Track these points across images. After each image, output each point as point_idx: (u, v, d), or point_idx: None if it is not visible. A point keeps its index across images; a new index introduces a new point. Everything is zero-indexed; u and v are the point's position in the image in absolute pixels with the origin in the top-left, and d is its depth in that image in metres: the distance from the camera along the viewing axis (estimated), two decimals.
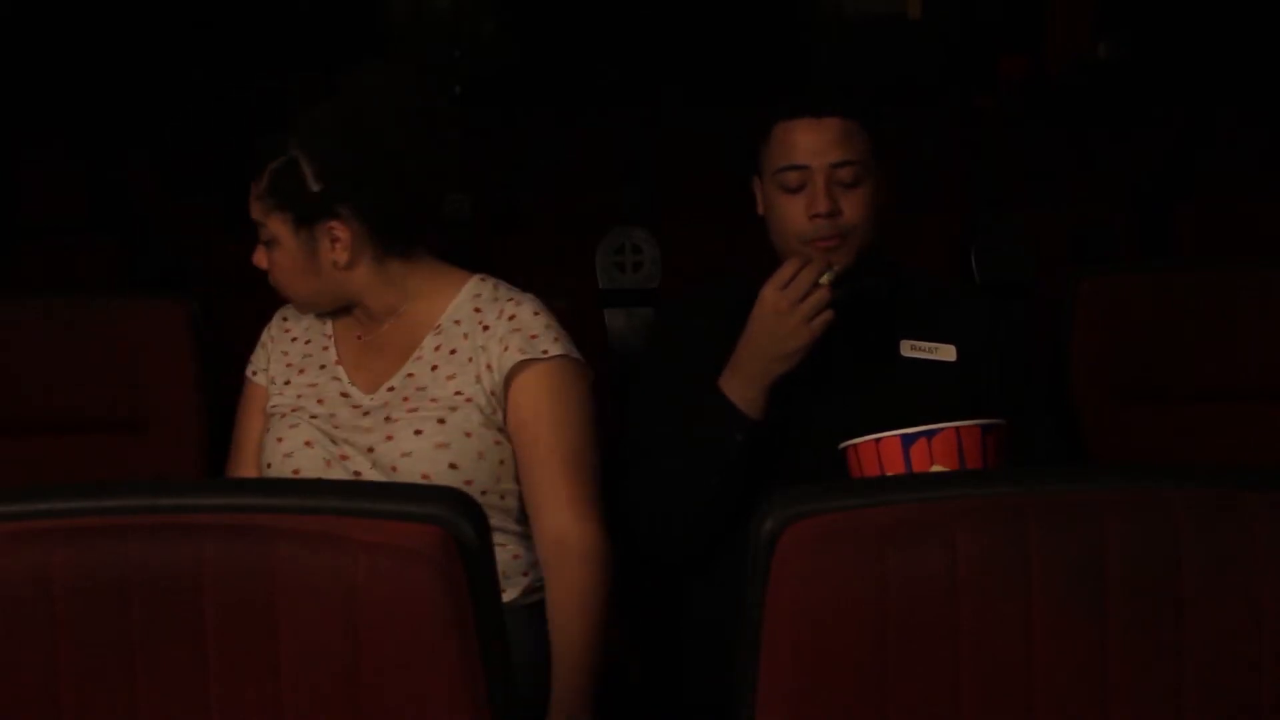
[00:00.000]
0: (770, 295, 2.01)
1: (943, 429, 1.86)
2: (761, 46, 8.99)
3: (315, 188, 2.09)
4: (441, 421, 2.06)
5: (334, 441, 2.09)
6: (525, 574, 2.09)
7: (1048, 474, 1.38)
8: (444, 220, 2.47)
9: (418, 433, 2.05)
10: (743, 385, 2.04)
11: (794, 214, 2.14)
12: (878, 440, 1.89)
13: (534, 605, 2.08)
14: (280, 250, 2.13)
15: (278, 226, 2.12)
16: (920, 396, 2.14)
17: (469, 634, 1.26)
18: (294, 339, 2.24)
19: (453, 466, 2.04)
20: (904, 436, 1.87)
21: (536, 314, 2.13)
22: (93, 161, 5.28)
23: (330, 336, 2.21)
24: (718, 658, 2.05)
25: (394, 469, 2.04)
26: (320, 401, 2.14)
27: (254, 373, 2.24)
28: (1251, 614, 1.26)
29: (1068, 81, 8.13)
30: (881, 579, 1.26)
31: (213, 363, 2.39)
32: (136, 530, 1.27)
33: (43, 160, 5.34)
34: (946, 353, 2.19)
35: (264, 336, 2.27)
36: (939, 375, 2.17)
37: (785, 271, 2.02)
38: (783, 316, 2.00)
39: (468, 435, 2.06)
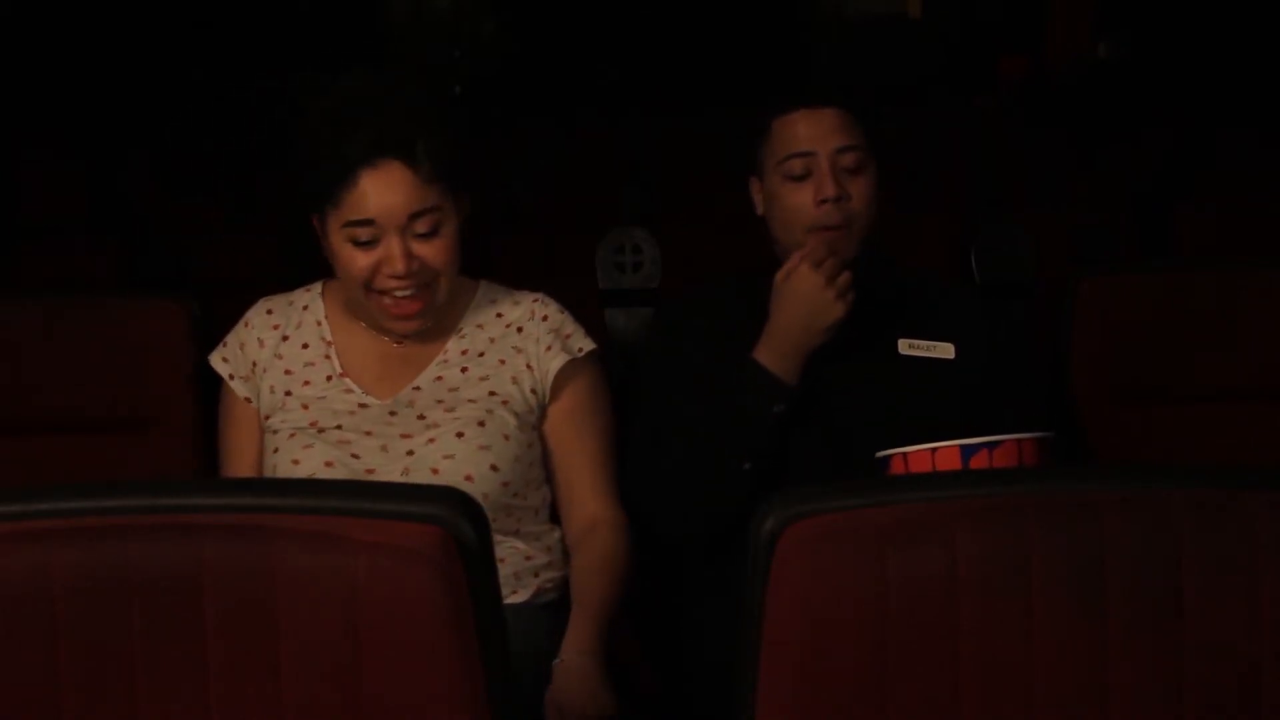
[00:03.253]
0: (808, 273, 2.08)
1: (1004, 440, 1.84)
2: (761, 46, 8.97)
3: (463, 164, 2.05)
4: (481, 424, 2.05)
5: (356, 456, 2.02)
6: (537, 575, 2.08)
7: (1048, 474, 1.38)
8: None
9: (459, 435, 2.04)
10: (780, 358, 2.09)
11: (800, 202, 2.15)
12: (934, 450, 1.85)
13: (545, 605, 2.08)
14: (446, 233, 2.05)
15: (449, 205, 2.05)
16: (918, 394, 2.15)
17: (469, 634, 1.27)
18: (285, 338, 2.14)
19: (494, 468, 2.03)
20: (963, 447, 1.84)
21: (561, 311, 2.16)
22: (93, 161, 5.26)
23: (330, 344, 2.13)
24: (721, 659, 2.04)
25: (435, 471, 2.01)
26: (335, 415, 2.07)
27: (231, 376, 2.13)
28: (1251, 614, 1.26)
29: (1068, 81, 8.10)
30: (881, 579, 1.26)
31: None
32: (136, 530, 1.27)
33: (43, 160, 5.32)
34: (944, 351, 2.19)
35: (241, 334, 2.16)
36: (937, 373, 2.18)
37: (816, 252, 2.09)
38: (821, 291, 2.07)
39: (506, 438, 2.06)
